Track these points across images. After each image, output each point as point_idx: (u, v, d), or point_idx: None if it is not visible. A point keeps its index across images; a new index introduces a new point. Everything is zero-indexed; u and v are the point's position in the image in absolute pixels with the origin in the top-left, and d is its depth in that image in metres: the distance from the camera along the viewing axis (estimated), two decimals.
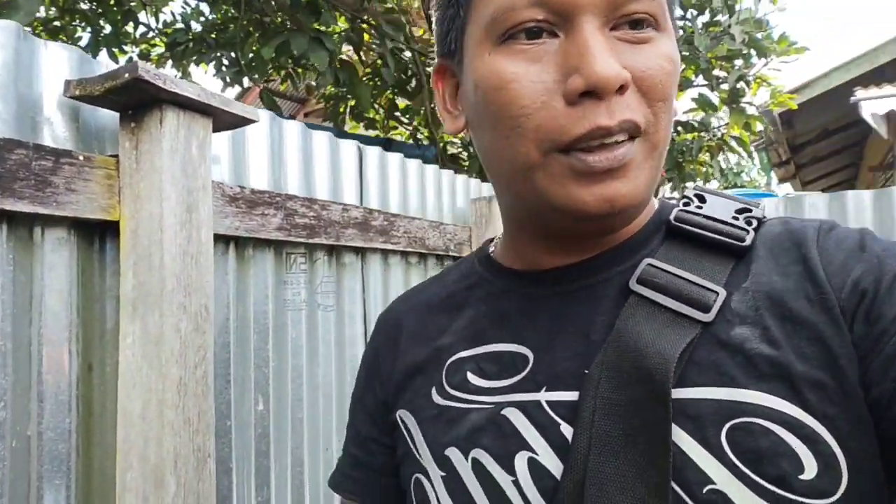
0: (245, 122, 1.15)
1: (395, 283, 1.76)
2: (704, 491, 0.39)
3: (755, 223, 0.47)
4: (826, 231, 0.45)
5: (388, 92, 4.16)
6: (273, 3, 3.37)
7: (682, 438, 0.40)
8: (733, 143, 3.91)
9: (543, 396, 0.46)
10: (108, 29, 3.94)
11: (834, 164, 8.38)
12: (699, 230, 0.47)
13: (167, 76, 0.95)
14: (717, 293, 0.43)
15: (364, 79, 3.64)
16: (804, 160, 7.79)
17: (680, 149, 2.85)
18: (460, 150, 4.31)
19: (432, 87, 0.55)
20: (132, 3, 3.98)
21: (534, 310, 0.51)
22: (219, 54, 3.60)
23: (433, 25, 0.54)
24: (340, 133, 3.72)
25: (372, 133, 4.74)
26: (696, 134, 3.52)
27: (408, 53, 3.84)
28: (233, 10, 3.67)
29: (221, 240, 1.22)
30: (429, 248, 1.83)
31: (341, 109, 4.22)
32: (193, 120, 1.04)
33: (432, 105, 3.76)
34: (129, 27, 4.08)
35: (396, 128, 4.47)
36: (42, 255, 0.92)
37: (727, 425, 0.39)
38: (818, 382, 0.39)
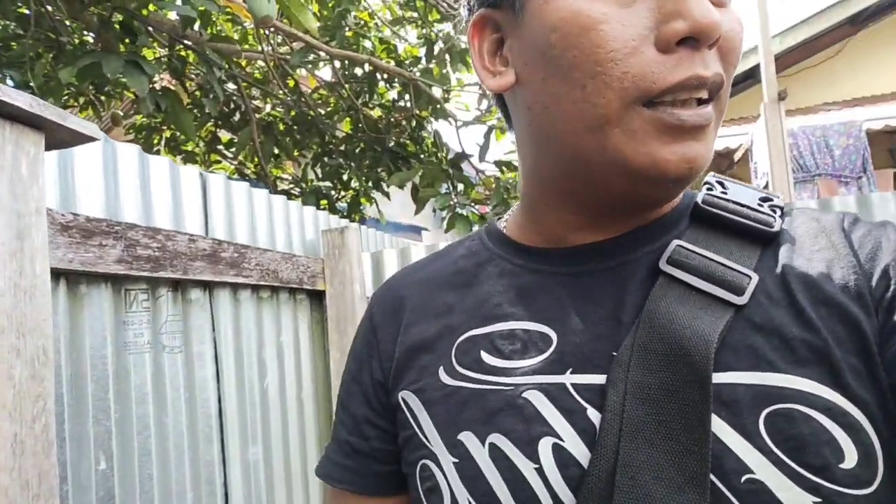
0: (83, 139, 1.02)
1: (247, 320, 1.66)
2: (742, 480, 0.37)
3: (779, 211, 0.47)
4: (852, 222, 0.44)
5: (210, 124, 3.93)
6: (69, 23, 3.02)
7: (717, 425, 0.38)
8: None
9: (569, 379, 0.43)
10: None
11: None
12: (729, 214, 0.46)
13: None
14: (749, 276, 0.42)
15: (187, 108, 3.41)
16: None
17: (505, 186, 3.10)
18: (291, 185, 4.21)
19: (468, 40, 0.49)
20: None
21: (556, 288, 0.48)
22: (1, 75, 3.11)
23: None
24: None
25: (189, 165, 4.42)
26: (515, 174, 3.87)
27: (231, 85, 3.68)
28: (17, 28, 3.22)
29: (51, 275, 1.05)
30: (282, 280, 1.76)
31: (155, 141, 3.88)
32: (23, 134, 0.90)
33: (260, 139, 3.63)
34: None
35: (220, 162, 4.22)
36: None
37: (765, 411, 0.38)
38: (855, 368, 0.38)
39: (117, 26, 2.58)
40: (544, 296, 0.48)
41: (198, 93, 3.68)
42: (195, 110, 3.74)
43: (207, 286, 1.53)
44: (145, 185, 1.39)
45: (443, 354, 0.49)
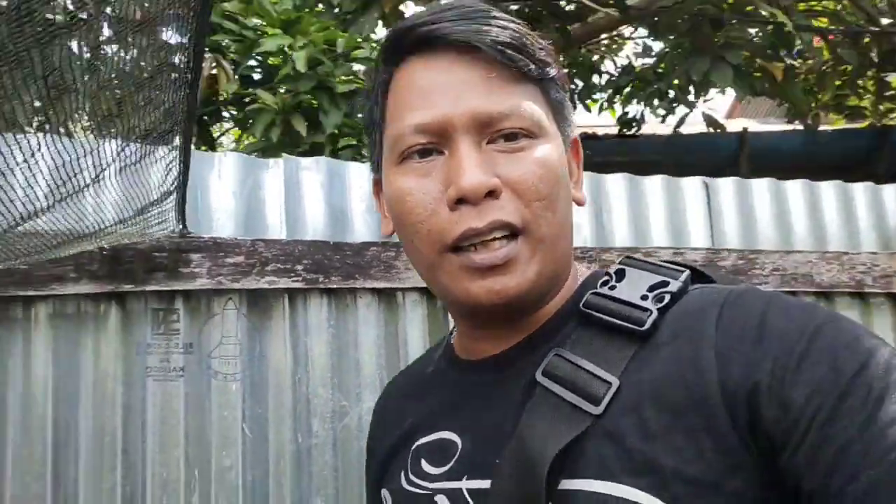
0: None
1: None
2: None
3: (667, 299, 0.48)
4: (731, 304, 0.45)
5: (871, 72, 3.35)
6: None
7: None
8: None
9: (464, 485, 0.51)
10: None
11: None
12: (604, 316, 0.49)
13: None
14: (609, 384, 0.45)
15: None
16: None
17: None
18: None
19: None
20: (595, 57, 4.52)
21: (464, 399, 0.56)
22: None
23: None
24: None
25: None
26: None
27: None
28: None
29: None
30: (821, 285, 1.50)
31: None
32: None
33: None
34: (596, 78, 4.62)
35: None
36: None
37: None
38: (690, 478, 0.41)
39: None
40: (456, 406, 0.56)
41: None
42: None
43: None
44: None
45: (404, 461, 0.59)
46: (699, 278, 0.53)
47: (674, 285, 0.49)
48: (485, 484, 0.49)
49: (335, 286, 1.25)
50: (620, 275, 0.52)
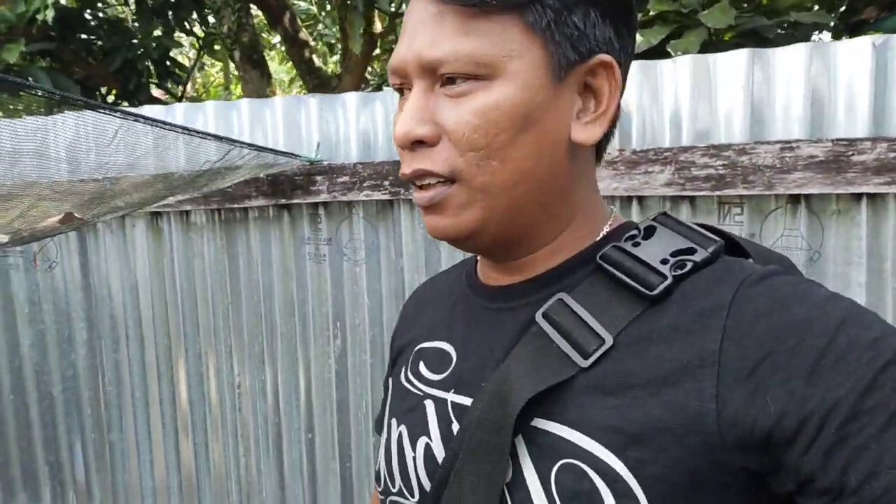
0: None
1: None
2: None
3: (687, 267, 0.46)
4: (750, 285, 0.43)
5: None
6: None
7: (526, 462, 0.45)
8: None
9: (450, 397, 0.54)
10: None
11: None
12: (616, 272, 0.48)
13: None
14: (603, 341, 0.45)
15: None
16: None
17: None
18: None
19: None
20: None
21: (468, 318, 0.58)
22: None
23: None
24: None
25: None
26: None
27: None
28: None
29: None
30: None
31: None
32: None
33: None
34: None
35: None
36: None
37: (560, 462, 0.44)
38: (647, 442, 0.41)
39: None
40: (465, 324, 0.57)
41: None
42: None
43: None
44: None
45: (406, 358, 0.63)
46: (734, 250, 0.51)
47: (699, 254, 0.47)
48: (467, 401, 0.52)
49: (410, 197, 1.54)
50: (650, 232, 0.51)
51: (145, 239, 1.78)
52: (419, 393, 0.57)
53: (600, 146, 0.54)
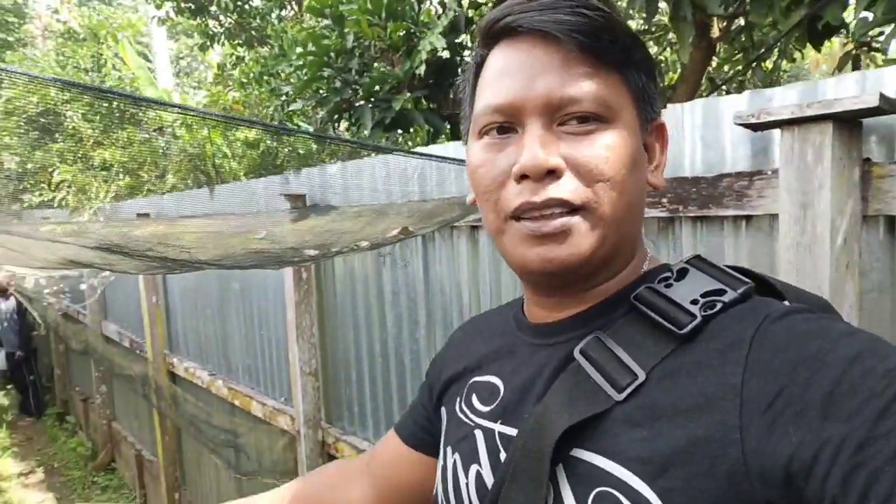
0: None
1: None
2: None
3: (717, 307, 0.49)
4: (772, 321, 0.46)
5: None
6: None
7: (566, 490, 0.48)
8: None
9: (497, 427, 0.58)
10: None
11: None
12: (649, 311, 0.51)
13: None
14: (636, 376, 0.48)
15: None
16: None
17: None
18: None
19: None
20: None
21: (515, 353, 0.62)
22: None
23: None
24: None
25: None
26: None
27: None
28: None
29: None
30: None
31: None
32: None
33: None
34: None
35: None
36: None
37: (596, 490, 0.46)
38: (675, 471, 0.43)
39: None
40: (512, 358, 0.62)
41: None
42: None
43: None
44: None
45: (460, 389, 0.67)
46: (768, 290, 0.54)
47: (729, 295, 0.49)
48: (513, 432, 0.55)
49: (692, 214, 1.52)
50: (682, 274, 0.54)
51: (465, 246, 2.18)
52: (470, 423, 0.61)
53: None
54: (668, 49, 5.11)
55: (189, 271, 1.88)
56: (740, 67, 4.47)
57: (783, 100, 1.34)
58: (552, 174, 0.51)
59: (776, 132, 1.29)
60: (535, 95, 0.51)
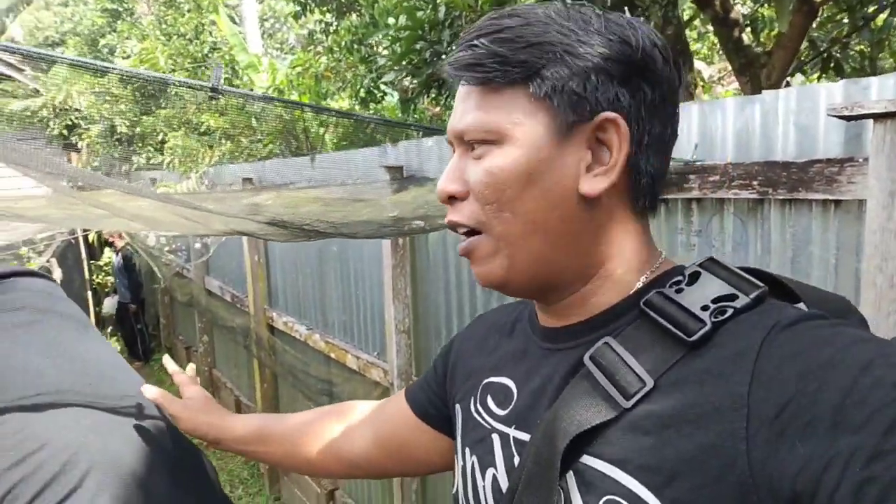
0: None
1: None
2: None
3: (728, 314, 0.47)
4: (780, 330, 0.45)
5: None
6: None
7: (576, 497, 0.48)
8: None
9: (512, 432, 0.58)
10: None
11: None
12: (659, 318, 0.50)
13: None
14: (644, 383, 0.48)
15: None
16: None
17: None
18: None
19: None
20: None
21: (527, 356, 0.62)
22: None
23: None
24: None
25: None
26: None
27: None
28: None
29: None
30: None
31: None
32: None
33: None
34: None
35: None
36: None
37: (604, 498, 0.47)
38: (682, 481, 0.43)
39: None
40: (525, 361, 0.62)
41: None
42: None
43: None
44: None
45: (474, 388, 0.67)
46: (784, 292, 0.52)
47: (741, 300, 0.48)
48: (526, 437, 0.56)
49: (781, 197, 1.60)
50: (694, 278, 0.52)
51: None
52: (487, 426, 0.62)
53: (637, 195, 0.56)
54: (766, 5, 4.87)
55: (318, 239, 2.13)
56: (845, 28, 4.23)
57: (881, 90, 1.39)
58: (455, 199, 0.56)
59: (870, 119, 1.35)
60: (450, 128, 0.57)
